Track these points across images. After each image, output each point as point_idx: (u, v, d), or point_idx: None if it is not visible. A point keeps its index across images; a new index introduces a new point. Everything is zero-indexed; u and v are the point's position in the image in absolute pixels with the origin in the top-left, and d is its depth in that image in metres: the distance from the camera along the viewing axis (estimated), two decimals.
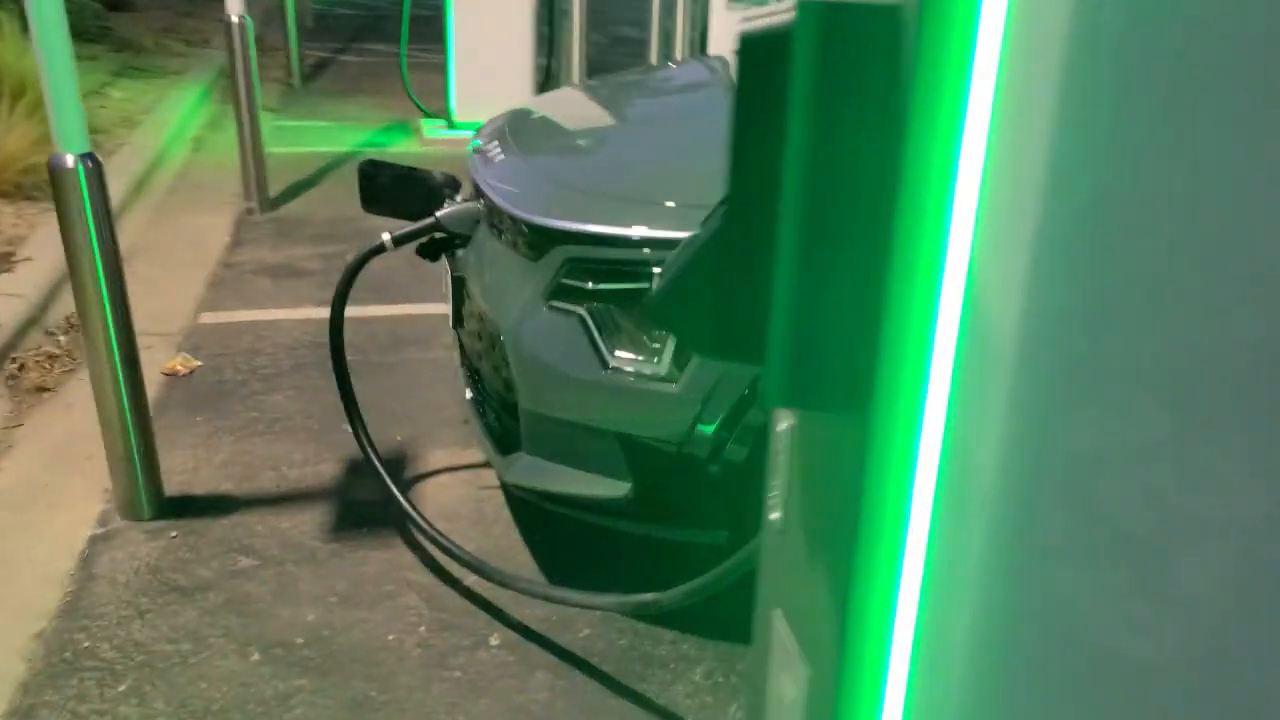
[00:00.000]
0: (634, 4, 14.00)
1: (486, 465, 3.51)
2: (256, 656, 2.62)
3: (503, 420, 2.93)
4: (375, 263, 5.31)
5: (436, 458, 3.55)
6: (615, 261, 2.59)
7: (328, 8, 14.57)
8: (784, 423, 1.20)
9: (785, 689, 1.23)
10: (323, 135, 7.80)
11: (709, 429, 2.54)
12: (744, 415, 2.50)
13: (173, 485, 3.28)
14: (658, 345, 2.54)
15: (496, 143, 3.21)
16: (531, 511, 3.20)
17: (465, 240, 3.13)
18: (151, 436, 3.12)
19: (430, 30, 10.23)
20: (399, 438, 3.64)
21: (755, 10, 0.97)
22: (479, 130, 3.56)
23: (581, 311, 2.61)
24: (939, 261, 0.90)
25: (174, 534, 3.08)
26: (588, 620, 2.79)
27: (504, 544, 3.10)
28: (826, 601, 1.09)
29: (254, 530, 3.12)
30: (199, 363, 4.15)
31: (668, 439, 2.57)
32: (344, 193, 6.39)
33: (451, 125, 7.76)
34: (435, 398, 3.95)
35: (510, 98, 7.70)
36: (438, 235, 3.15)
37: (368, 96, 9.26)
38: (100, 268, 2.88)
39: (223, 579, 2.90)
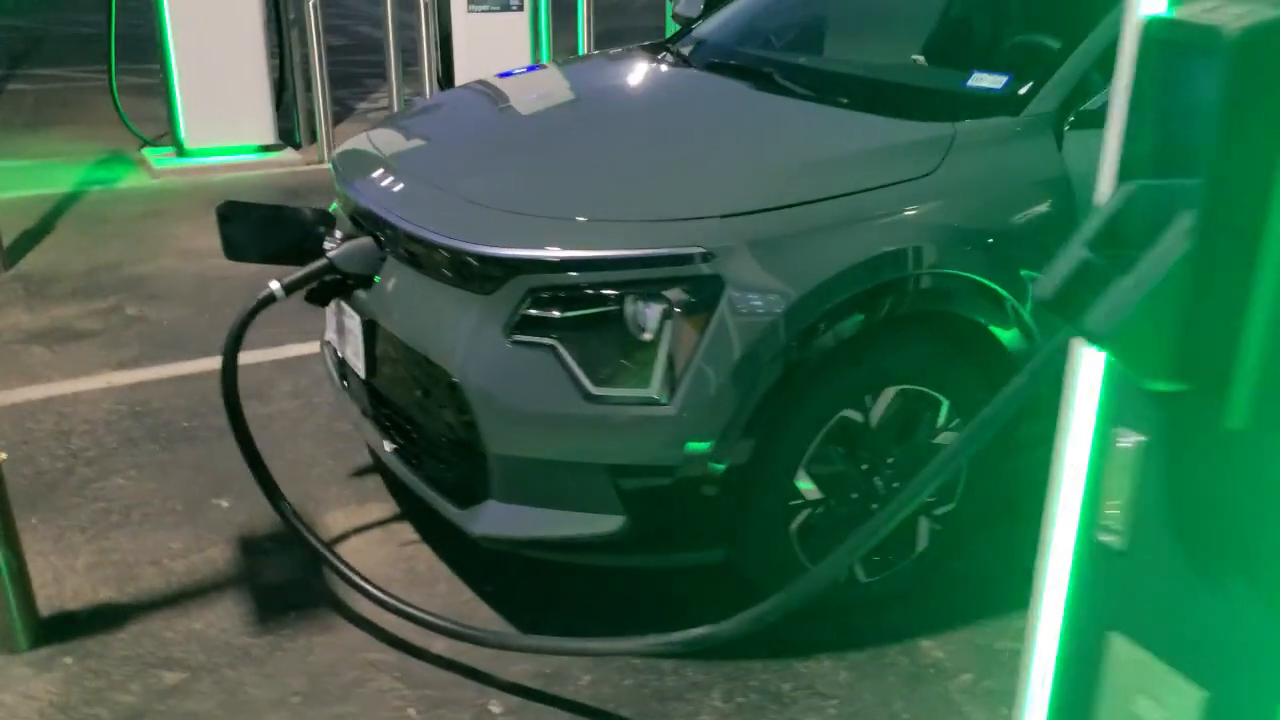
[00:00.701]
0: (335, 10, 13.37)
1: (396, 519, 3.23)
2: None
3: (456, 470, 2.69)
4: (168, 313, 4.79)
5: (336, 520, 3.22)
6: (586, 286, 2.44)
7: None
8: (1128, 441, 1.15)
9: (1146, 713, 1.20)
10: (29, 176, 6.87)
11: (704, 446, 2.45)
12: (740, 426, 2.44)
13: (39, 604, 2.77)
14: (644, 368, 2.42)
15: (384, 171, 2.94)
16: (476, 559, 2.97)
17: (361, 281, 2.85)
18: (21, 552, 2.63)
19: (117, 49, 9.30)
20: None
21: (1210, 4, 0.91)
22: (338, 161, 3.24)
23: (553, 342, 2.45)
24: None
25: (68, 660, 2.62)
26: (581, 666, 2.63)
27: (456, 602, 2.86)
28: (1249, 625, 1.06)
29: (163, 638, 2.70)
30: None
31: (663, 463, 2.47)
32: (87, 239, 5.67)
33: (183, 153, 7.03)
34: (302, 454, 3.58)
35: (250, 117, 7.18)
36: (328, 278, 2.85)
37: (63, 127, 8.27)
38: None
39: (153, 701, 2.49)
